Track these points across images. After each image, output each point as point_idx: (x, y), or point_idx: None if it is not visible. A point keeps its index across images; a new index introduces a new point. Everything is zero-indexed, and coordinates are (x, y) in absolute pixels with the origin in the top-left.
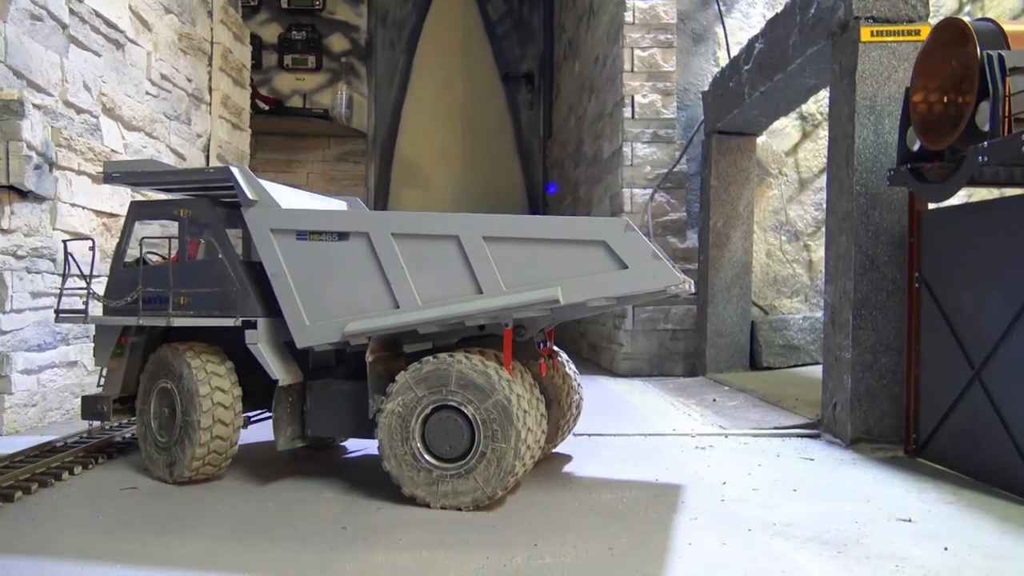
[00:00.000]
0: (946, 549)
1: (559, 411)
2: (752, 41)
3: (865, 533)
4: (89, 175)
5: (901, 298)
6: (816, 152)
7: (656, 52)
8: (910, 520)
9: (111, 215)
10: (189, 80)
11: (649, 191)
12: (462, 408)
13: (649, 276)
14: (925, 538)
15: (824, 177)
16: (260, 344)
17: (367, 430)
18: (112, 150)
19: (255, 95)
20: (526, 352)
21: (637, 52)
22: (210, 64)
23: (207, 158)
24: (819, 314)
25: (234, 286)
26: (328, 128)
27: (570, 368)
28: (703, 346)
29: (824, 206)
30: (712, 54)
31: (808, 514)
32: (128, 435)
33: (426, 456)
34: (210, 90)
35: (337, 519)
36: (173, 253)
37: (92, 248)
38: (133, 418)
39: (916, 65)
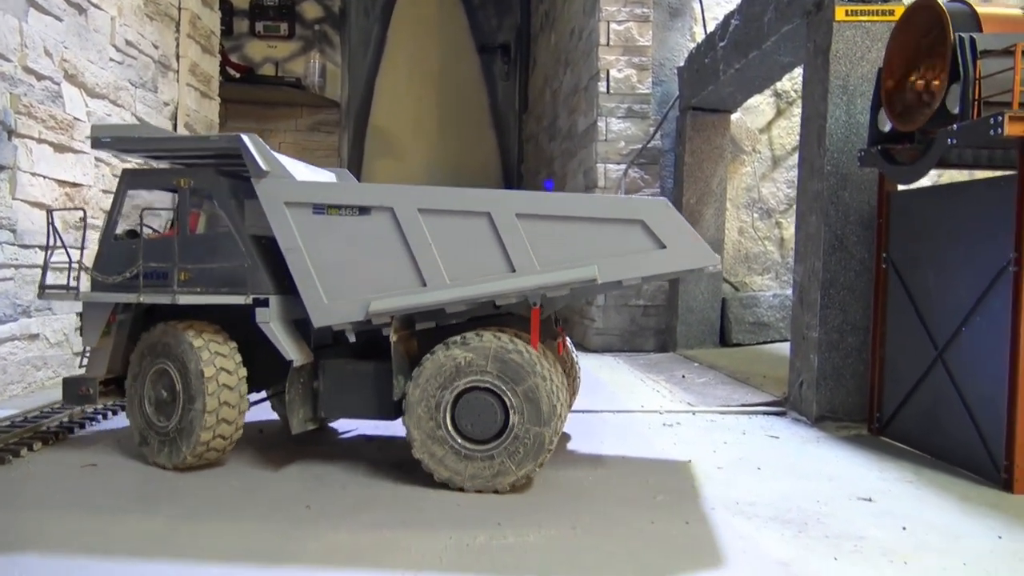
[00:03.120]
0: (904, 528)
1: (568, 390)
2: (728, 17)
3: (826, 512)
4: (51, 143)
5: (869, 278)
6: (790, 130)
7: (632, 26)
8: (870, 499)
9: (74, 184)
10: (155, 47)
11: (623, 167)
12: (496, 389)
13: (687, 255)
14: (884, 517)
15: (797, 155)
16: (272, 323)
17: (387, 411)
18: (75, 118)
19: (225, 62)
20: (545, 332)
21: (613, 26)
22: (177, 30)
23: (175, 127)
24: (789, 291)
25: (244, 261)
26: (301, 97)
27: (572, 347)
28: (674, 322)
29: (796, 184)
30: (688, 29)
31: (771, 493)
32: (90, 410)
33: (458, 438)
34: (177, 57)
35: (301, 497)
36: (169, 225)
37: (84, 219)
38: (121, 401)
39: (889, 45)
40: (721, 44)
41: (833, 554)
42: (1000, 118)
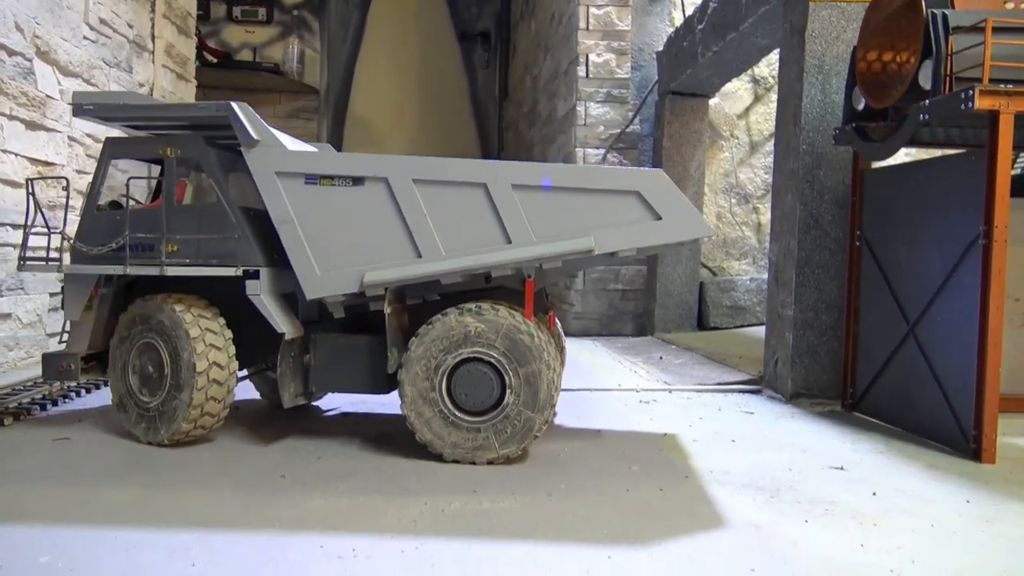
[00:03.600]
0: (874, 494)
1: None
2: (706, 0)
3: (798, 480)
4: (23, 120)
5: (843, 256)
6: (767, 115)
7: (612, 10)
8: (842, 468)
9: (47, 163)
10: (130, 26)
11: (602, 151)
12: (499, 366)
13: (682, 226)
14: (855, 484)
15: (774, 141)
16: (263, 295)
17: (380, 385)
18: (48, 95)
19: (202, 47)
20: (537, 305)
21: (593, 10)
22: (153, 10)
23: None
24: (766, 276)
25: (234, 232)
26: (279, 83)
27: (558, 322)
28: (652, 306)
29: (773, 164)
30: (667, 14)
31: (745, 463)
32: (64, 388)
33: (449, 404)
34: (153, 37)
35: (277, 468)
36: (151, 197)
37: (67, 188)
38: (103, 377)
39: (863, 24)
40: (699, 27)
41: (804, 517)
42: (971, 92)
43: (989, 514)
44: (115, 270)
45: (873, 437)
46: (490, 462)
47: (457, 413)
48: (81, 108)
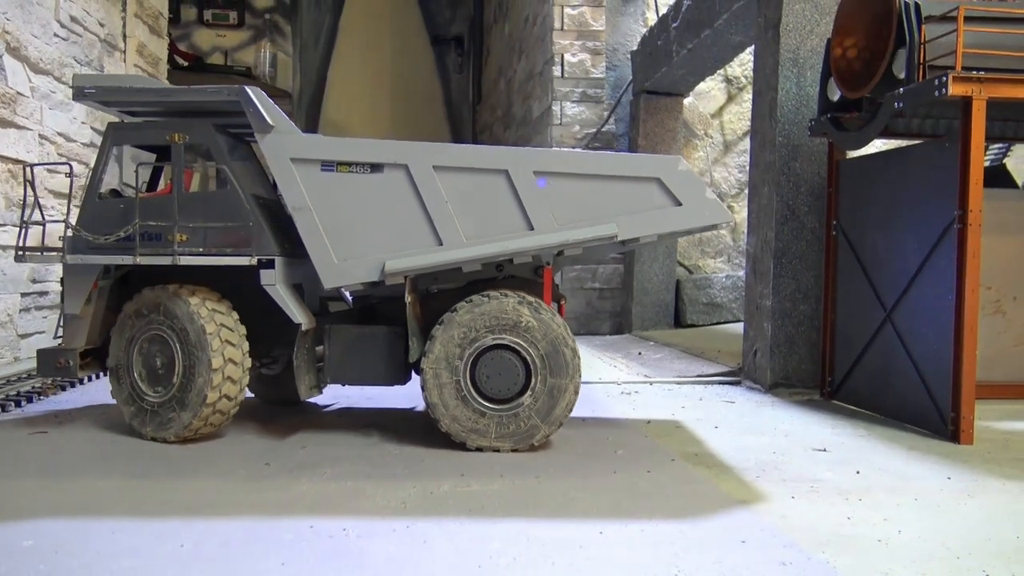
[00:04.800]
0: (858, 473)
1: None
2: None
3: (783, 461)
4: None
5: (820, 247)
6: (740, 115)
7: (586, 10)
8: (825, 450)
9: (17, 161)
10: (101, 25)
11: (578, 150)
12: (531, 366)
13: (702, 213)
14: (838, 464)
15: (748, 139)
16: (279, 285)
17: (398, 376)
18: (18, 92)
19: (173, 50)
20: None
21: (567, 10)
22: (124, 9)
23: None
24: (741, 272)
25: (248, 220)
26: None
27: None
28: (629, 304)
29: (748, 169)
30: (641, 14)
31: (729, 446)
32: (41, 383)
33: (468, 378)
34: (124, 37)
35: (260, 456)
36: (145, 185)
37: (70, 175)
38: (101, 372)
39: (838, 16)
40: (674, 25)
41: (791, 494)
42: (945, 79)
43: (970, 489)
44: (124, 260)
45: (854, 422)
46: (478, 448)
47: (473, 393)
48: (82, 91)
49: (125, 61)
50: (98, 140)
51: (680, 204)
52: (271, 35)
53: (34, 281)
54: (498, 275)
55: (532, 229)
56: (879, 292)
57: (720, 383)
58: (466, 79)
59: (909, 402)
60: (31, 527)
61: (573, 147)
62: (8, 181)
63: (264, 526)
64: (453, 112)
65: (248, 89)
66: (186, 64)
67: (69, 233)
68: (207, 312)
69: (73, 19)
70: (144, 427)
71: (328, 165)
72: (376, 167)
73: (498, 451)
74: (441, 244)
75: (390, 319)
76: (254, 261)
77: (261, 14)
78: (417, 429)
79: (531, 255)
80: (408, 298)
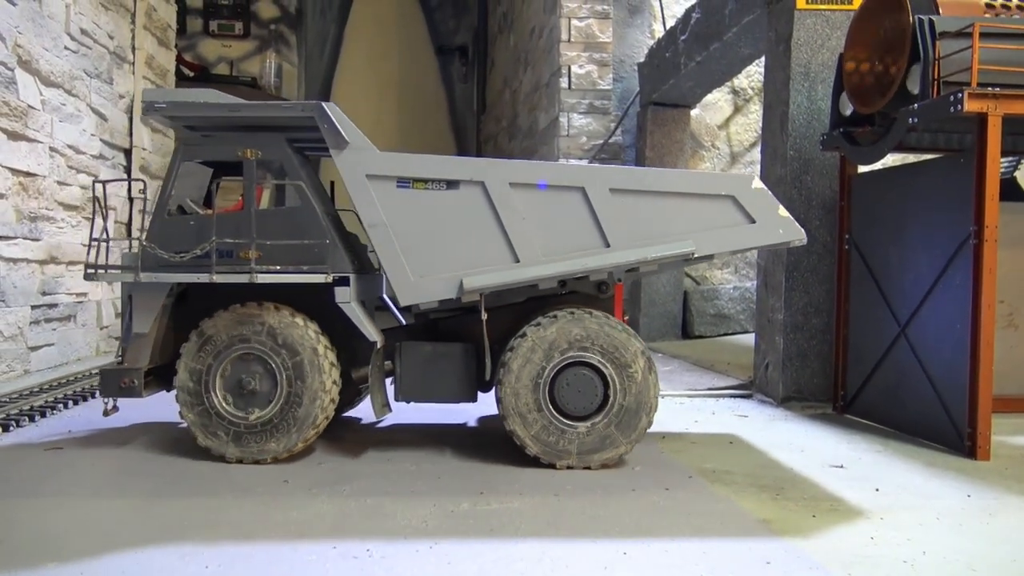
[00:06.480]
0: (877, 490)
1: None
2: (689, 11)
3: (801, 478)
4: (4, 131)
5: (832, 260)
6: (748, 126)
7: (593, 22)
8: (842, 467)
9: (28, 174)
10: (111, 37)
11: (584, 162)
12: (611, 391)
13: (776, 230)
14: (857, 481)
15: (755, 151)
16: (353, 303)
17: (470, 393)
18: (29, 105)
19: (179, 61)
20: (607, 310)
21: (574, 22)
22: (133, 22)
23: (131, 120)
24: (748, 284)
25: (324, 238)
26: (257, 97)
27: None
28: (637, 315)
29: (760, 171)
30: (648, 26)
31: (745, 463)
32: (51, 398)
33: (548, 390)
34: (133, 49)
35: (278, 474)
36: (203, 201)
37: (144, 191)
38: (166, 391)
39: (850, 31)
40: (682, 38)
41: (811, 513)
42: (960, 95)
43: (991, 507)
44: (201, 278)
45: (868, 437)
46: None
47: (550, 406)
48: (152, 106)
49: (134, 73)
50: (107, 152)
51: (754, 221)
52: (276, 45)
53: (43, 293)
54: (560, 291)
55: (608, 246)
56: (892, 306)
57: (731, 396)
58: (470, 89)
59: (924, 417)
60: (54, 546)
61: (580, 159)
62: (19, 194)
63: (287, 547)
64: (457, 122)
65: (324, 105)
66: (192, 75)
67: (135, 249)
68: (314, 334)
69: (83, 32)
70: (219, 445)
71: (404, 182)
72: (452, 183)
73: (554, 465)
74: (518, 261)
75: (454, 335)
76: (330, 279)
77: (266, 24)
78: (431, 445)
79: (607, 272)
80: (484, 315)
